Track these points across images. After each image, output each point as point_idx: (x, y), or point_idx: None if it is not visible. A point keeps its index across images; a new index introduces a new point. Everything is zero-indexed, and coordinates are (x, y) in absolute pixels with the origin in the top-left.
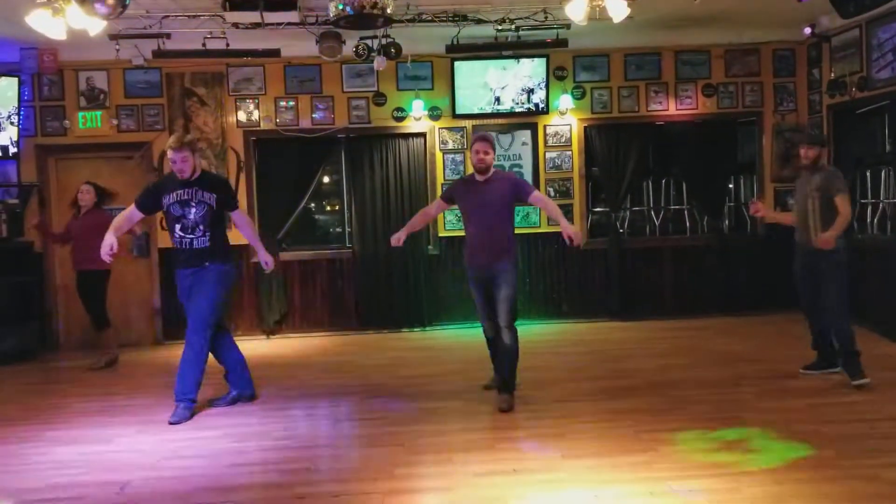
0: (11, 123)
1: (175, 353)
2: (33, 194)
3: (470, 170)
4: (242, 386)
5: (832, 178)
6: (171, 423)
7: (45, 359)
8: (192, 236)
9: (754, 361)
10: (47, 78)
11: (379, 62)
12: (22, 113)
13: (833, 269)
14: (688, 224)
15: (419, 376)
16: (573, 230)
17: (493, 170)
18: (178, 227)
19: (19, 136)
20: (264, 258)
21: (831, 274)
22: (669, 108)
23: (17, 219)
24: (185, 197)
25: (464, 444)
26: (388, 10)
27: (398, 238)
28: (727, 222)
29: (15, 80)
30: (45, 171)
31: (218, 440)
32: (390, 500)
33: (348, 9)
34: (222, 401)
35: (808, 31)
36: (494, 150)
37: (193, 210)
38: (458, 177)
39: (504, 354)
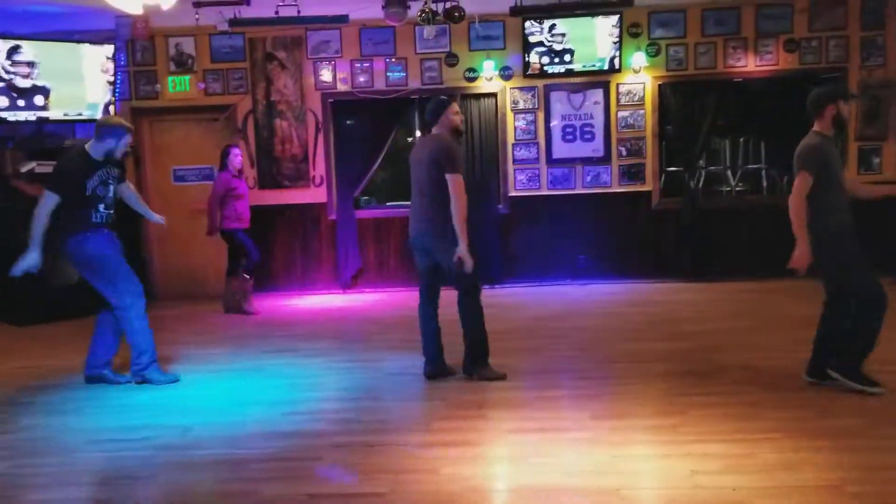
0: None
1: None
2: (129, 154)
3: (542, 130)
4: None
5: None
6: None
7: None
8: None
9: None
10: (140, 44)
11: (428, 31)
12: (118, 77)
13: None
14: (765, 184)
15: None
16: None
17: None
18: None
19: (116, 99)
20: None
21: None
22: (748, 64)
23: None
24: (104, 177)
25: (502, 402)
26: None
27: None
28: None
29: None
30: (140, 133)
31: (282, 390)
32: (420, 453)
33: None
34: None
35: None
36: None
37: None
38: (529, 137)
39: None
